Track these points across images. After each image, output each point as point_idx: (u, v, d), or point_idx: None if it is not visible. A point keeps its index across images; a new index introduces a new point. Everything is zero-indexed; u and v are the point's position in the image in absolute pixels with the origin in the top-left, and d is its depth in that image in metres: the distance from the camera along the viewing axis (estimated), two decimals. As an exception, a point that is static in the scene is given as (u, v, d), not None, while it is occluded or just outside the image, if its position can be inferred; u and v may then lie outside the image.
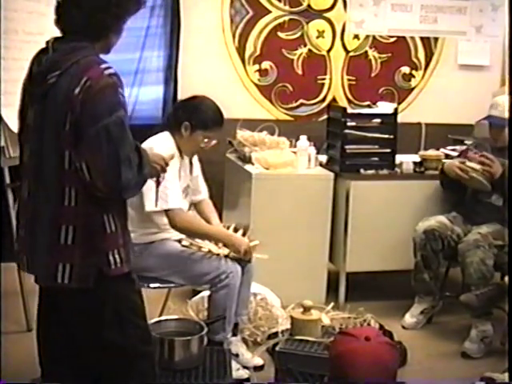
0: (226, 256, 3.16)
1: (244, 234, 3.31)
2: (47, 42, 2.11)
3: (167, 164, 2.30)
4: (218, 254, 3.16)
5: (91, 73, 1.99)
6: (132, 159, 2.05)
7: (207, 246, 3.22)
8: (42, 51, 2.12)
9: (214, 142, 3.28)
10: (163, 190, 3.04)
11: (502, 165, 3.71)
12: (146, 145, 3.17)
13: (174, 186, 3.11)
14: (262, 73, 5.21)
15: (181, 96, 4.90)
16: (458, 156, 4.17)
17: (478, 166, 3.77)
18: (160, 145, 3.17)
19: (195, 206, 3.46)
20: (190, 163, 3.36)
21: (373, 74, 5.43)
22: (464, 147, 4.34)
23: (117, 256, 2.11)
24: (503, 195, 3.74)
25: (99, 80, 1.98)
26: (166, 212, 3.09)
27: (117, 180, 2.01)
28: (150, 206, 3.06)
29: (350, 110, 4.32)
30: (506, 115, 3.77)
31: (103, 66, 2.02)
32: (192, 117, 3.22)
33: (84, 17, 2.06)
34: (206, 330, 2.88)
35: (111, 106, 2.00)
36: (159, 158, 2.27)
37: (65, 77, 2.00)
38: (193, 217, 3.24)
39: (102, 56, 2.11)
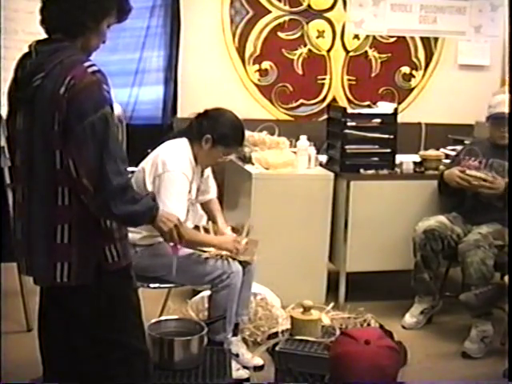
0: (228, 257, 3.17)
1: (247, 234, 3.33)
2: (30, 46, 2.12)
3: (180, 238, 2.25)
4: (221, 256, 3.16)
5: (75, 72, 2.00)
6: (120, 161, 2.02)
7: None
8: (25, 55, 2.13)
9: (230, 157, 3.26)
10: (169, 198, 3.00)
11: (503, 178, 3.75)
12: (163, 149, 3.16)
13: (180, 198, 3.04)
14: (262, 73, 5.22)
15: (181, 96, 4.92)
16: (452, 162, 4.15)
17: (478, 174, 3.78)
18: (177, 152, 3.15)
19: (203, 205, 3.47)
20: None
21: (373, 74, 5.43)
22: (460, 149, 4.34)
23: (113, 250, 2.12)
24: (504, 197, 3.73)
25: (83, 78, 1.99)
26: None
27: (102, 178, 1.99)
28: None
29: (349, 110, 4.32)
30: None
31: (86, 64, 2.03)
32: (215, 131, 3.17)
33: (61, 12, 2.07)
34: (206, 330, 2.88)
35: (96, 103, 2.01)
36: (173, 220, 2.23)
37: (49, 78, 2.01)
38: (188, 228, 3.18)
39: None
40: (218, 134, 3.17)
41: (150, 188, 3.06)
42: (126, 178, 2.07)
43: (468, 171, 3.83)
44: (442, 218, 3.91)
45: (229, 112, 3.28)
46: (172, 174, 3.06)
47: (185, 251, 3.17)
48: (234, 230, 3.40)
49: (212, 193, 3.47)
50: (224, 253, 3.17)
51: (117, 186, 2.00)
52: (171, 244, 2.30)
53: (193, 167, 3.18)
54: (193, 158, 3.19)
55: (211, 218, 3.42)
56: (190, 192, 3.15)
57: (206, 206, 3.46)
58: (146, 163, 3.15)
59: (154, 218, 2.17)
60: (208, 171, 3.42)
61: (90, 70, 2.01)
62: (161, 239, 3.13)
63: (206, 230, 3.36)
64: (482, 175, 3.77)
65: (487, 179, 3.75)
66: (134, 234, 2.95)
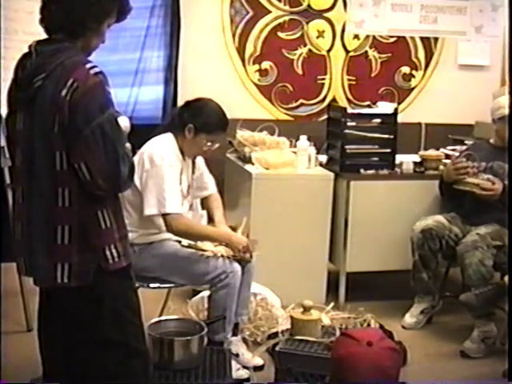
0: (227, 256, 3.16)
1: (247, 233, 3.33)
2: (30, 46, 2.12)
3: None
4: (221, 255, 3.16)
5: (77, 74, 2.00)
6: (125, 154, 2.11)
7: (207, 245, 3.22)
8: (25, 56, 2.13)
9: (216, 145, 3.28)
10: (162, 194, 3.05)
11: (502, 180, 3.74)
12: (148, 145, 3.19)
13: (173, 190, 3.10)
14: (262, 73, 5.22)
15: (181, 96, 4.91)
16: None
17: (476, 181, 3.77)
18: (163, 146, 3.18)
19: (203, 201, 3.48)
20: (193, 163, 3.36)
21: (373, 74, 5.43)
22: (460, 149, 4.33)
23: (114, 250, 2.13)
24: (503, 198, 3.72)
25: (86, 80, 2.00)
26: (164, 216, 3.08)
27: (116, 176, 2.06)
28: (149, 210, 3.07)
29: (349, 110, 4.32)
30: None
31: (88, 65, 2.03)
32: (196, 119, 3.21)
33: (63, 13, 2.07)
34: (205, 330, 2.88)
35: (102, 104, 2.03)
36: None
37: (50, 79, 2.02)
38: (190, 220, 3.22)
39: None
40: (198, 121, 3.21)
41: (137, 183, 3.08)
42: (127, 161, 2.12)
43: (468, 178, 3.82)
44: (440, 218, 3.90)
45: (208, 100, 3.32)
46: (160, 169, 3.09)
47: (185, 251, 3.18)
48: (232, 229, 3.39)
49: (210, 188, 3.48)
50: (222, 251, 3.17)
51: (124, 172, 2.08)
52: None
53: (180, 160, 3.21)
54: (179, 150, 3.23)
55: (210, 215, 3.43)
56: (180, 184, 3.16)
57: (205, 203, 3.48)
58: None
59: None
60: (202, 167, 3.43)
61: (92, 71, 2.02)
62: (160, 237, 3.17)
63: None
64: (480, 182, 3.77)
65: (485, 186, 3.74)
66: (131, 234, 2.95)
